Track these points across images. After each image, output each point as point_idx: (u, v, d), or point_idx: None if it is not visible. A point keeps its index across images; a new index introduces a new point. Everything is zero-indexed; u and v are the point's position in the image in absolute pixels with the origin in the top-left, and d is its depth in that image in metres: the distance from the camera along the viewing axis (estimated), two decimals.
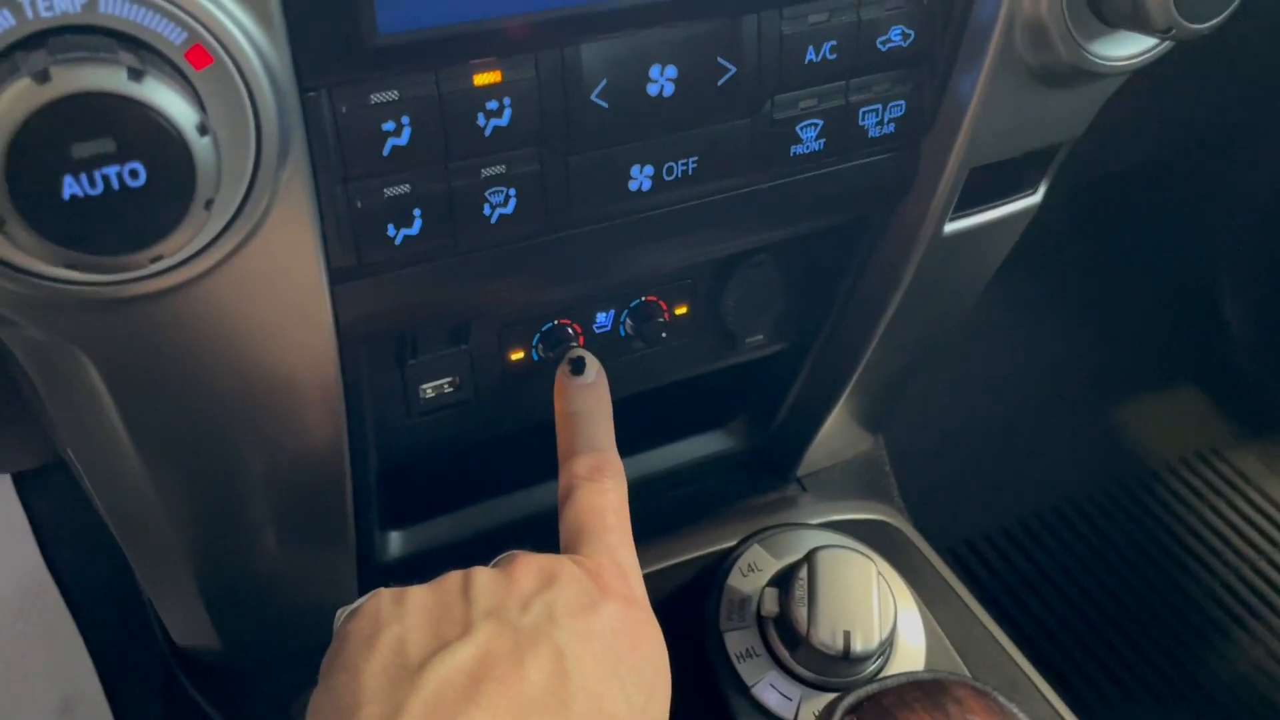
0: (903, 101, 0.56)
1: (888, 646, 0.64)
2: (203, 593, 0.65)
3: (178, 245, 0.36)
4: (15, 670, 1.05)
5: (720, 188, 0.54)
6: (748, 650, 0.66)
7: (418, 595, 0.46)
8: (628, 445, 0.78)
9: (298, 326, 0.48)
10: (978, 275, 0.75)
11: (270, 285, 0.45)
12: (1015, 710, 0.49)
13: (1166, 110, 1.09)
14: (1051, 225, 0.77)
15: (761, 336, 0.72)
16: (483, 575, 0.47)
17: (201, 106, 0.36)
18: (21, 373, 0.49)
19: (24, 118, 0.32)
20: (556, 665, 0.42)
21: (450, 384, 0.63)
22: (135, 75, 0.33)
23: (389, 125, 0.44)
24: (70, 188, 0.33)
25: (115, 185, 0.34)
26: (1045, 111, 0.60)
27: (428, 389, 0.62)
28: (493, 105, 0.46)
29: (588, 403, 0.58)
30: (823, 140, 0.55)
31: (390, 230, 0.47)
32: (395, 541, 0.74)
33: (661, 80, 0.49)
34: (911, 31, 0.54)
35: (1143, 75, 0.59)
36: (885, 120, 0.56)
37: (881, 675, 0.64)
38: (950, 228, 0.65)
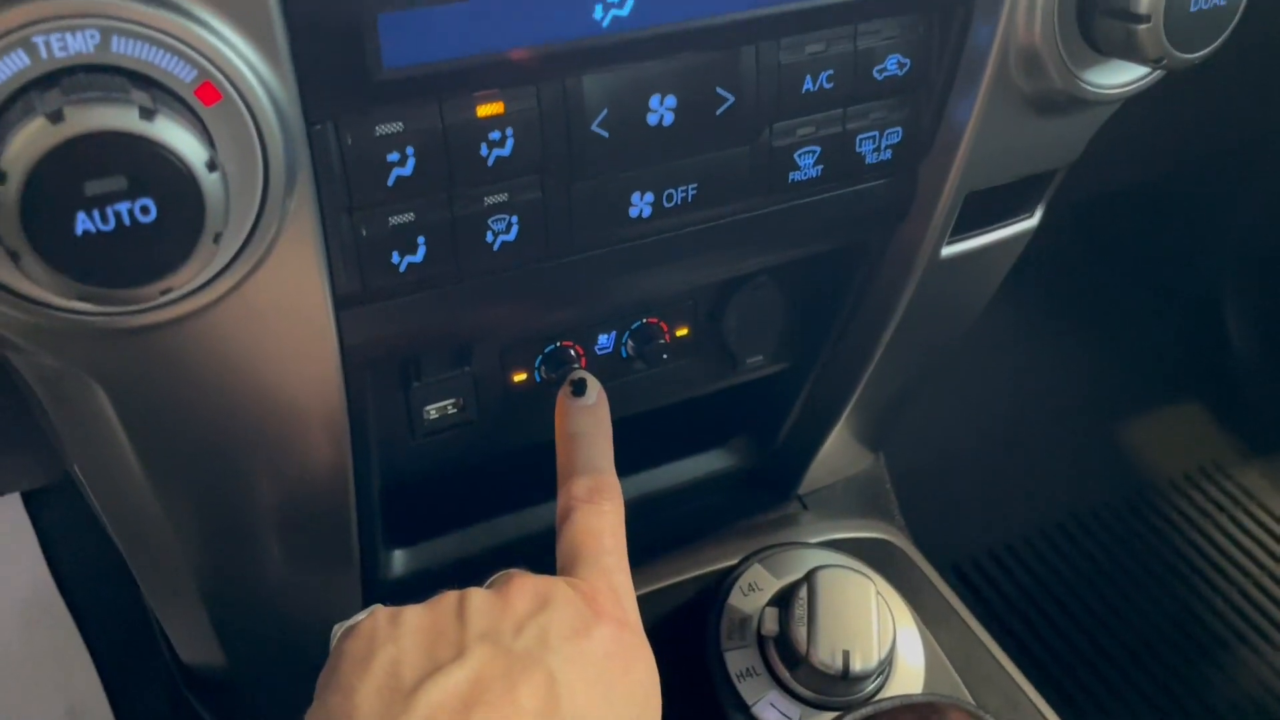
0: (899, 128, 0.57)
1: (887, 666, 0.65)
2: (208, 610, 0.66)
3: (187, 278, 0.37)
4: (22, 683, 1.06)
5: (720, 214, 0.55)
6: (748, 669, 0.66)
7: (413, 615, 0.46)
8: (630, 463, 0.79)
9: (304, 352, 0.49)
10: (976, 297, 0.76)
11: (277, 312, 0.46)
12: None
13: (1169, 128, 1.10)
14: (1055, 242, 0.77)
15: (762, 357, 0.73)
16: (478, 597, 0.47)
17: (210, 142, 0.37)
18: (31, 394, 0.50)
19: (39, 157, 0.33)
20: (548, 690, 0.43)
21: (453, 405, 0.64)
22: (147, 114, 0.34)
23: (394, 156, 0.45)
24: (83, 224, 0.34)
25: (127, 221, 0.35)
26: (1040, 137, 0.61)
27: (431, 410, 0.63)
28: (495, 135, 0.47)
29: (588, 424, 0.59)
30: (820, 167, 0.56)
31: (395, 257, 0.48)
32: (399, 560, 0.75)
33: (661, 110, 0.50)
34: (908, 60, 0.55)
35: (1144, 94, 0.59)
36: (882, 147, 0.57)
37: (880, 695, 0.65)
38: (948, 251, 0.65)
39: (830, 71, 0.53)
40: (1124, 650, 1.22)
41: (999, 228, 0.68)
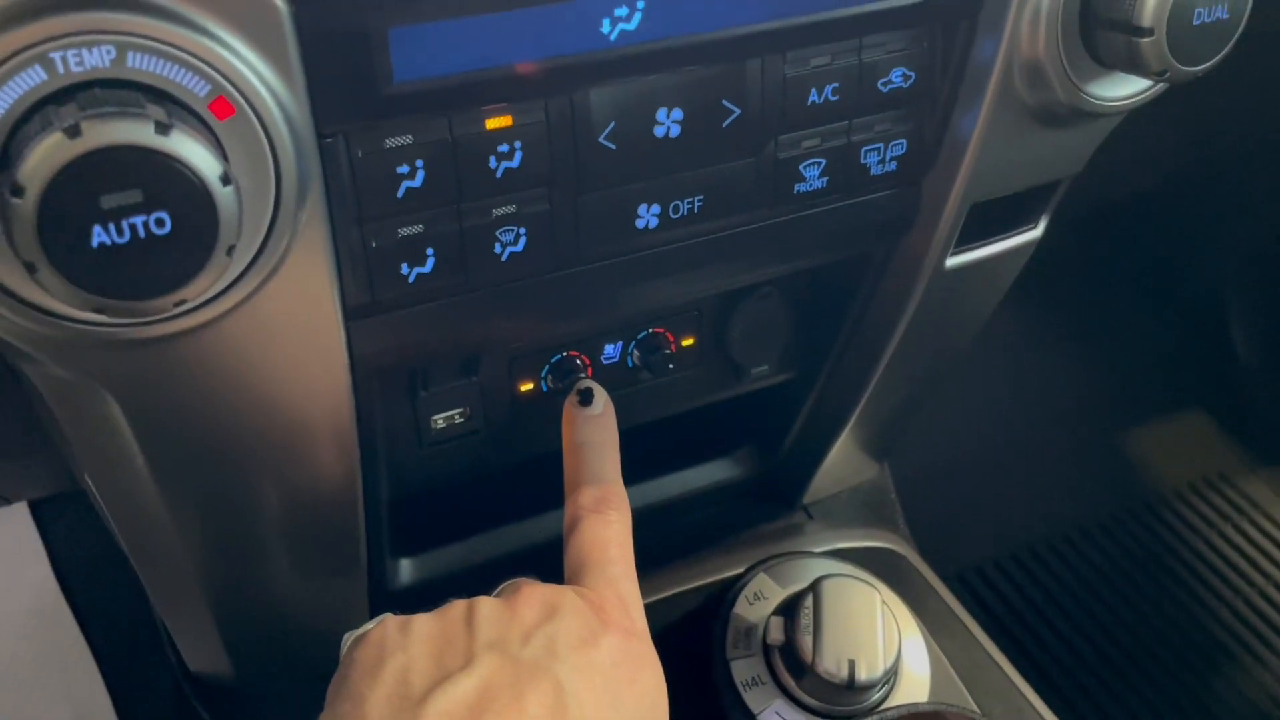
0: (904, 140, 0.57)
1: (892, 675, 0.65)
2: (216, 618, 0.66)
3: (200, 289, 0.38)
4: (29, 692, 1.06)
5: (725, 225, 0.56)
6: (754, 678, 0.67)
7: (422, 624, 0.47)
8: (636, 473, 0.79)
9: (314, 362, 0.49)
10: (980, 307, 0.76)
11: (288, 323, 0.46)
12: None
13: (1173, 137, 1.10)
14: (1058, 251, 0.78)
15: (767, 367, 0.73)
16: (486, 605, 0.48)
17: (224, 156, 0.38)
18: (41, 403, 0.51)
19: (56, 171, 0.33)
20: (556, 699, 0.43)
21: (461, 415, 0.64)
22: (162, 129, 0.35)
23: (403, 168, 0.46)
24: (99, 236, 0.35)
25: (142, 234, 0.35)
26: (1044, 149, 0.61)
27: (439, 420, 0.64)
28: (504, 148, 0.47)
29: (595, 434, 0.59)
30: (826, 178, 0.56)
31: (404, 269, 0.48)
32: (406, 569, 0.75)
33: (668, 122, 0.51)
34: (912, 73, 0.55)
35: (1149, 104, 0.60)
36: (887, 159, 0.57)
37: (886, 704, 0.65)
38: (952, 262, 0.66)
39: (835, 84, 0.53)
40: (1128, 659, 1.21)
41: (1003, 239, 0.68)
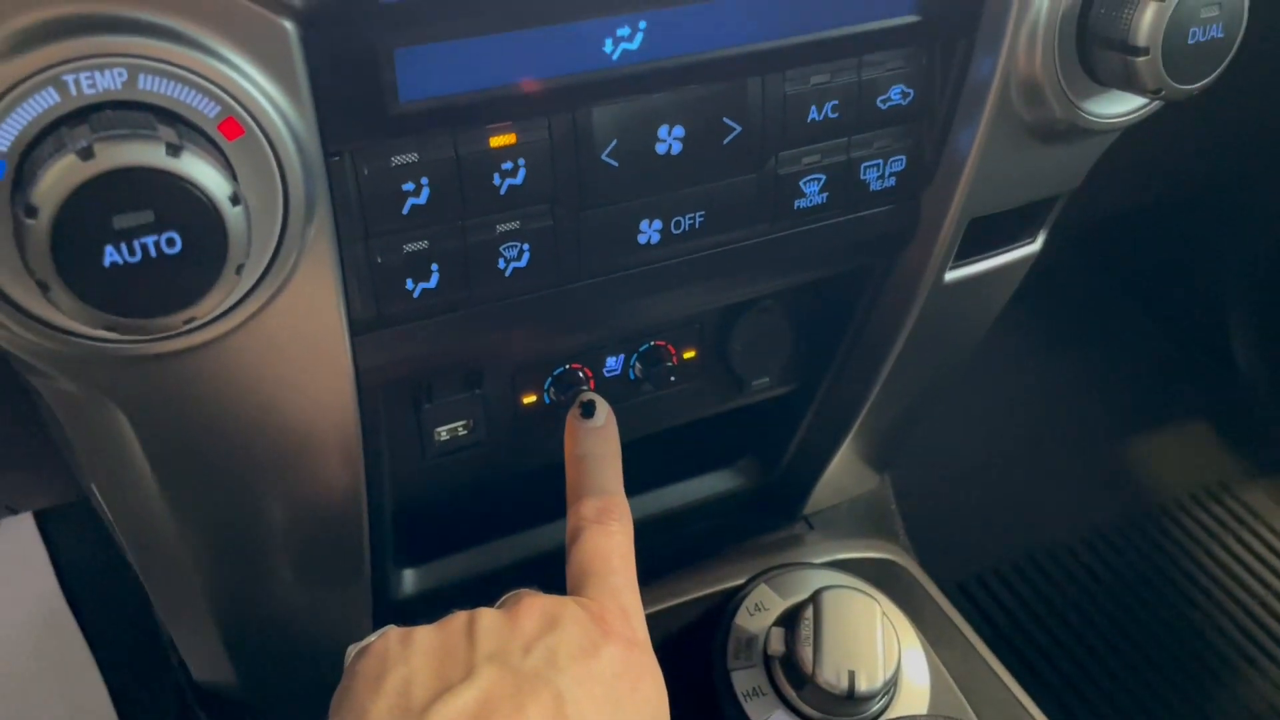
0: (903, 156, 0.58)
1: (892, 686, 0.65)
2: (222, 628, 0.67)
3: (210, 307, 0.38)
4: (33, 702, 1.07)
5: (726, 240, 0.56)
6: (754, 689, 0.67)
7: (424, 636, 0.47)
8: (637, 484, 0.79)
9: (320, 376, 0.50)
10: (979, 320, 0.76)
11: (294, 338, 0.47)
12: None
13: (1172, 150, 1.11)
14: (1058, 263, 0.78)
15: (768, 379, 0.74)
16: (487, 617, 0.48)
17: (233, 176, 0.38)
18: (50, 416, 0.51)
19: (69, 192, 0.34)
20: (556, 709, 0.44)
21: (464, 427, 0.65)
22: (174, 150, 0.35)
23: (409, 185, 0.46)
24: (111, 256, 0.35)
25: (153, 253, 0.36)
26: (1042, 165, 0.62)
27: (442, 432, 0.64)
28: (508, 165, 0.48)
29: (597, 446, 0.59)
30: (825, 194, 0.57)
31: (409, 284, 0.49)
32: (409, 579, 0.76)
33: (669, 139, 0.51)
34: (911, 90, 0.56)
35: (1146, 119, 0.60)
36: (886, 174, 0.58)
37: (886, 715, 0.65)
38: (951, 276, 0.66)
39: (835, 102, 0.54)
40: (1128, 670, 1.22)
41: (1002, 253, 0.69)
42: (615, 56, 0.47)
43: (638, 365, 0.68)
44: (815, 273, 0.64)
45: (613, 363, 0.67)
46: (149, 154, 0.35)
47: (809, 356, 0.74)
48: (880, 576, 0.77)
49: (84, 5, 0.36)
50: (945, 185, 0.60)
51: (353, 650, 0.49)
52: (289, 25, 0.39)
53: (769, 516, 0.89)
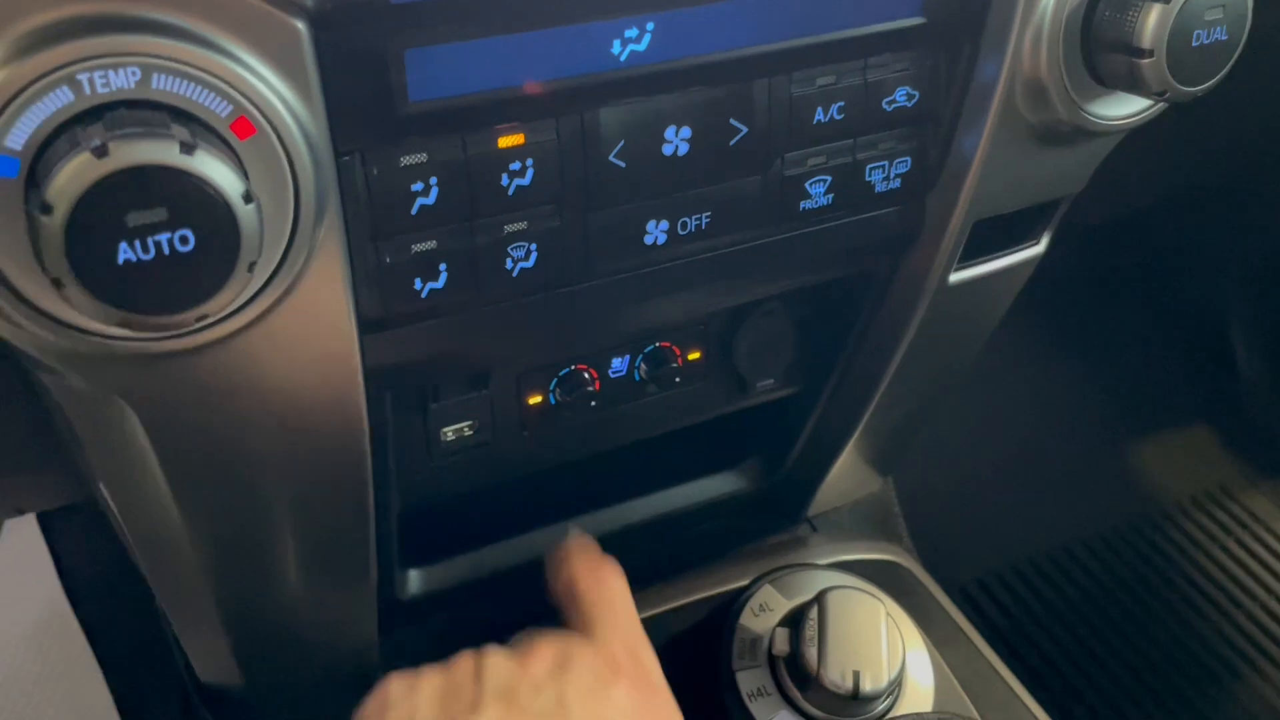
0: (908, 158, 0.58)
1: (897, 686, 0.65)
2: (227, 627, 0.67)
3: (222, 304, 0.38)
4: (36, 704, 1.07)
5: (732, 241, 0.56)
6: (759, 689, 0.67)
7: (429, 679, 0.47)
8: (642, 486, 0.80)
9: (329, 375, 0.50)
10: (983, 322, 0.77)
11: (304, 336, 0.47)
12: None
13: (1174, 153, 1.11)
14: (1060, 266, 0.78)
15: (772, 381, 0.74)
16: (495, 657, 0.48)
17: (245, 175, 0.39)
18: (59, 414, 0.52)
19: (84, 189, 0.34)
20: None
21: (470, 427, 0.65)
22: (187, 149, 0.35)
23: (418, 186, 0.47)
24: (124, 253, 0.35)
25: (166, 251, 0.36)
26: (1046, 167, 0.62)
27: (448, 432, 0.64)
28: (516, 166, 0.48)
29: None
30: (831, 196, 0.57)
31: (417, 284, 0.49)
32: (415, 579, 0.76)
33: (676, 140, 0.52)
34: (916, 92, 0.56)
35: (1150, 121, 0.61)
36: (891, 176, 0.58)
37: (890, 715, 0.66)
38: (955, 278, 0.66)
39: (841, 103, 0.54)
40: (1131, 672, 1.22)
41: (1006, 255, 0.69)
42: (623, 58, 0.47)
43: (643, 366, 0.68)
44: (820, 274, 0.64)
45: (618, 364, 0.68)
46: (163, 152, 0.35)
47: (813, 358, 0.74)
48: (884, 578, 0.77)
49: (97, 5, 0.36)
50: (950, 187, 0.60)
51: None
52: (301, 25, 0.40)
53: (773, 518, 0.89)
